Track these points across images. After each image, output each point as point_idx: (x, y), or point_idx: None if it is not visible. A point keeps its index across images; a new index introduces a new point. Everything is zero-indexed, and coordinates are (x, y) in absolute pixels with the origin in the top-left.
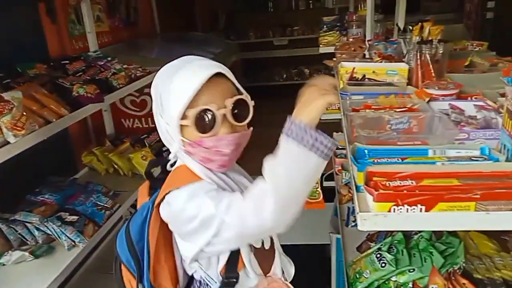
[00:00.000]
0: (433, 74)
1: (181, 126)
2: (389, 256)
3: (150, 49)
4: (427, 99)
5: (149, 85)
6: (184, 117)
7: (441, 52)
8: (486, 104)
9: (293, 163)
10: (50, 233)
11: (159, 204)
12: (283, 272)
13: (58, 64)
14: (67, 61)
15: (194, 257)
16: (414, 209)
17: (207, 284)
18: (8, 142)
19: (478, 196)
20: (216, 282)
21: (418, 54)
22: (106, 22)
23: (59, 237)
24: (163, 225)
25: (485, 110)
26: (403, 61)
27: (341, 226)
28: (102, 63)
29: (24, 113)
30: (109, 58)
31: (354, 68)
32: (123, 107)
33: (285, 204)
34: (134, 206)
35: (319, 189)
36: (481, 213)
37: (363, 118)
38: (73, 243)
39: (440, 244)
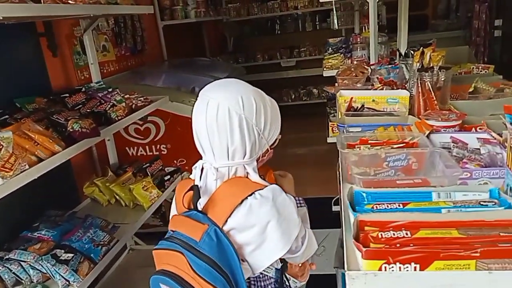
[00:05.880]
0: (435, 102)
1: None
2: None
3: (155, 76)
4: (427, 132)
5: (151, 114)
6: None
7: (442, 79)
8: (490, 136)
9: None
10: (45, 271)
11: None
12: None
13: (58, 98)
14: (67, 94)
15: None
16: (407, 267)
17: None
18: None
19: (478, 255)
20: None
21: (419, 82)
22: (112, 52)
23: (54, 276)
24: None
25: (489, 144)
26: (405, 87)
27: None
28: (102, 94)
29: (14, 153)
30: (109, 89)
31: (352, 97)
32: (127, 136)
33: None
34: (138, 234)
35: None
36: (483, 273)
37: (359, 155)
38: (67, 283)
39: None
